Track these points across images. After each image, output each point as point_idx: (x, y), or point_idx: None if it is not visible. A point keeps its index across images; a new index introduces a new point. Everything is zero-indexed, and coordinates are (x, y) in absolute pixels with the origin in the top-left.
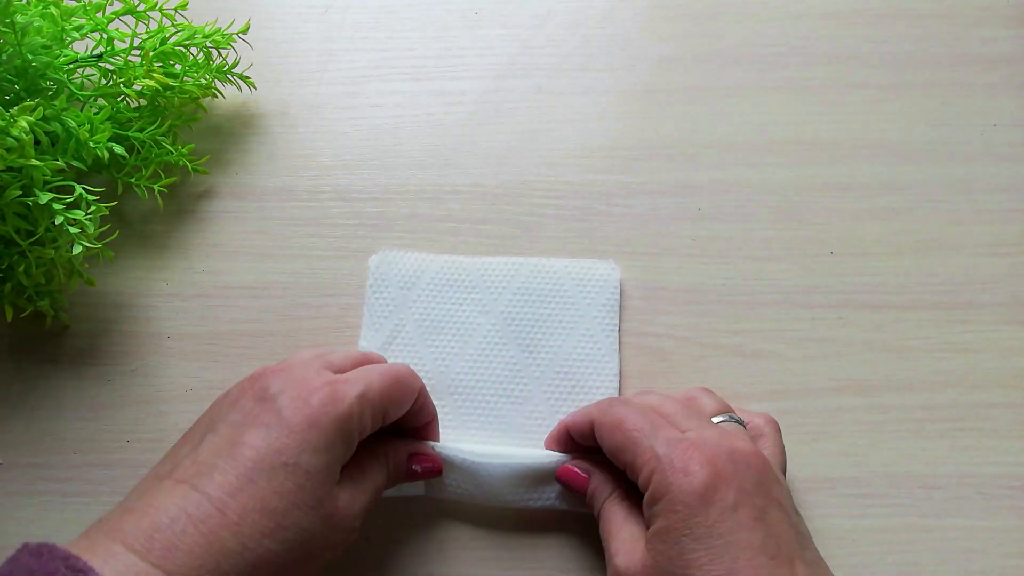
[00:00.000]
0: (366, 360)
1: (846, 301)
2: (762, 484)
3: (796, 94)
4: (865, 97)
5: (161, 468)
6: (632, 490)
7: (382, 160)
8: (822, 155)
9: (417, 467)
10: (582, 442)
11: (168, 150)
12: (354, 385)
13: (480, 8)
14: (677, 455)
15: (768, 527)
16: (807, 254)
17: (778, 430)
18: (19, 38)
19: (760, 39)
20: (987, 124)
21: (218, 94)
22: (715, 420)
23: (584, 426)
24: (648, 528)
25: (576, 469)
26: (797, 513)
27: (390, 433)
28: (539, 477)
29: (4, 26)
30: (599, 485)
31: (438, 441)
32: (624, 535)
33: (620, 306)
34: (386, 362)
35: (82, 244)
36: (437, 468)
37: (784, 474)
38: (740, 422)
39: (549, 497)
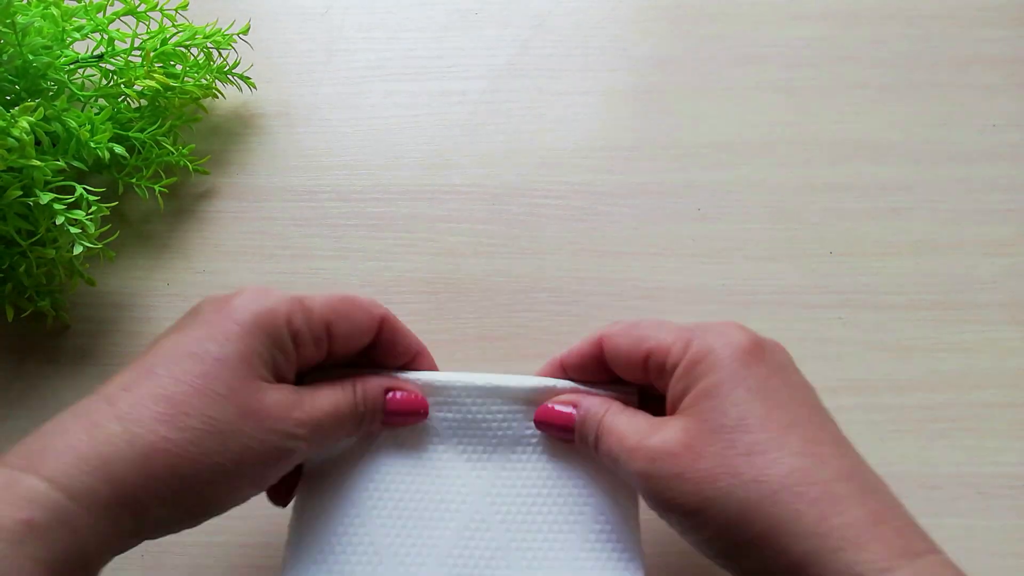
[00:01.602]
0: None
1: (845, 301)
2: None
3: (796, 94)
4: (865, 97)
5: None
6: (630, 408)
7: (382, 160)
8: (822, 155)
9: (395, 401)
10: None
11: (169, 150)
12: (289, 291)
13: (480, 9)
14: (711, 327)
15: (816, 397)
16: (806, 254)
17: None
18: (20, 38)
19: (760, 39)
20: (987, 124)
21: (218, 94)
22: None
23: (585, 352)
24: (681, 403)
25: (558, 407)
26: None
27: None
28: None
29: (5, 27)
30: (589, 408)
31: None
32: (641, 424)
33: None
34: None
35: (83, 244)
36: (420, 407)
37: None
38: None
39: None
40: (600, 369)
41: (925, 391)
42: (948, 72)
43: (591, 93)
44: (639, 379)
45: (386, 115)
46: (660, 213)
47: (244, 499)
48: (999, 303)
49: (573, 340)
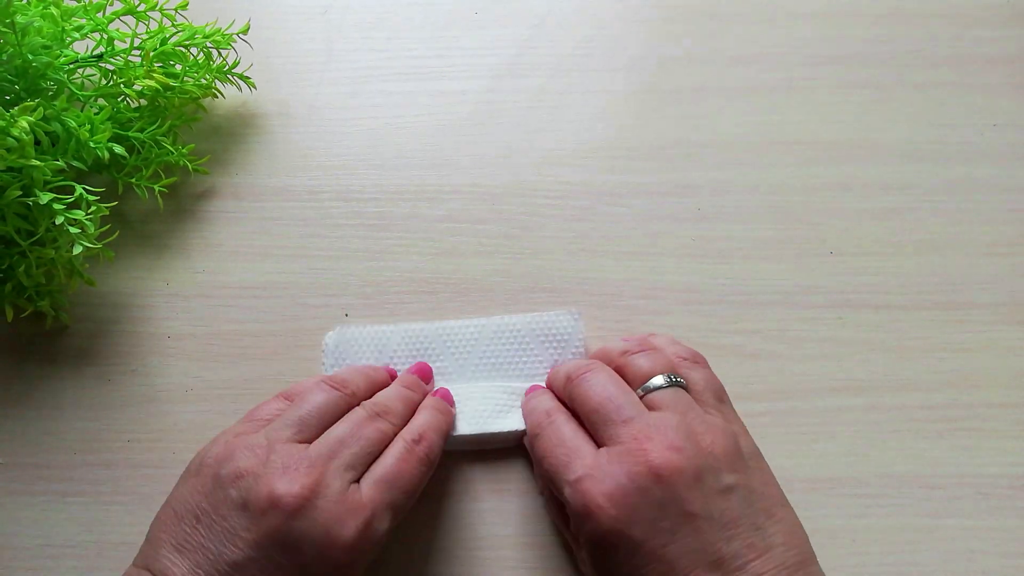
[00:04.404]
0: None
1: (846, 301)
2: (672, 503)
3: (796, 94)
4: (865, 97)
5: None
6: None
7: (382, 160)
8: (822, 155)
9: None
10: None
11: (168, 150)
12: (382, 507)
13: (480, 8)
14: (579, 499)
15: (679, 545)
16: (807, 254)
17: (703, 364)
18: (19, 38)
19: (760, 39)
20: (987, 124)
21: (218, 94)
22: (654, 382)
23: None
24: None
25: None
26: (725, 483)
27: None
28: (505, 399)
29: (5, 26)
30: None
31: None
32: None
33: (585, 350)
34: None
35: (82, 244)
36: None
37: (725, 398)
38: (679, 383)
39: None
40: None
41: (925, 391)
42: (948, 72)
43: (591, 93)
44: None
45: (386, 115)
46: (660, 213)
47: None
48: (1000, 303)
49: None
